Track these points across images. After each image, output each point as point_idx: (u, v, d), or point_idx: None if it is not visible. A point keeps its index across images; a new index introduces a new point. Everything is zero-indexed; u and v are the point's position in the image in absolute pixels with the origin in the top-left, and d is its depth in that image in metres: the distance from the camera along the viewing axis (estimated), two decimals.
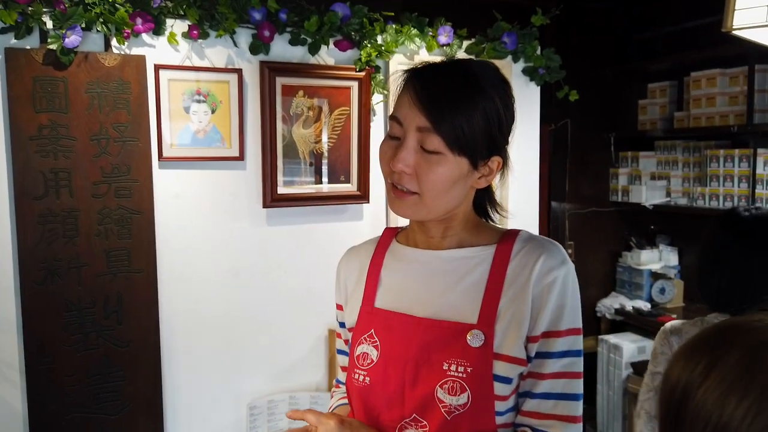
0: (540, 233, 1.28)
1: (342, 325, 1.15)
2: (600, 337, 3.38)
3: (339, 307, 1.16)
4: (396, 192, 0.97)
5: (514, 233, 1.02)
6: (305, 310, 2.13)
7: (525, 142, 2.36)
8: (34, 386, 1.79)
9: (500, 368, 0.94)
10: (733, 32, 1.97)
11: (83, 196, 1.80)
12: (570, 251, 3.61)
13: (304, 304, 2.13)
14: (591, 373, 3.20)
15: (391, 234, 1.13)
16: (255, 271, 2.06)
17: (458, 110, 0.92)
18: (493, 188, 1.07)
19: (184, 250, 1.96)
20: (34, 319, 1.78)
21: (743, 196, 2.87)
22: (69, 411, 1.83)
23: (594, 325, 3.66)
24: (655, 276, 3.52)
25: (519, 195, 2.36)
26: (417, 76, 0.96)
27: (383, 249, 1.10)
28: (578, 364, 0.97)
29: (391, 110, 2.23)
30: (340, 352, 1.18)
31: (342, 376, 1.18)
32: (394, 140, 0.97)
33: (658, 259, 3.54)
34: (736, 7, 1.93)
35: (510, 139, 1.00)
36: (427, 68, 0.97)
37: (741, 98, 2.90)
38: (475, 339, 0.94)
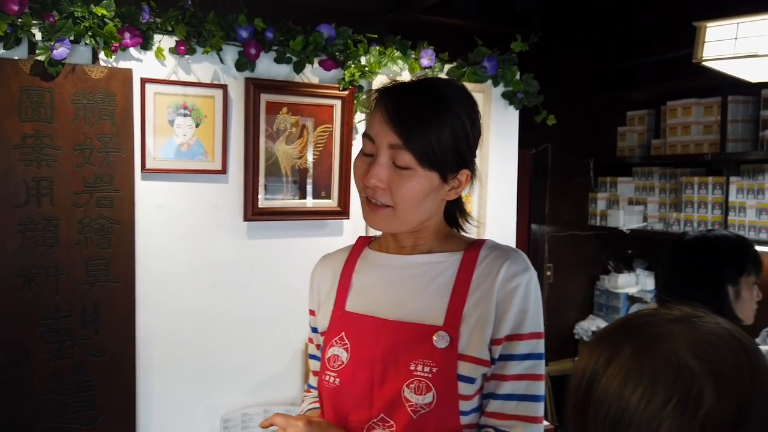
0: None
1: (314, 330, 1.18)
2: (577, 359, 3.40)
3: (312, 312, 1.20)
4: (370, 206, 1.03)
5: (481, 242, 1.08)
6: (283, 324, 2.14)
7: (503, 165, 2.42)
8: (7, 394, 1.78)
9: (464, 369, 0.98)
10: (703, 63, 2.05)
11: (64, 205, 1.82)
12: (549, 273, 3.66)
13: (282, 318, 2.14)
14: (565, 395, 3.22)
15: (364, 242, 1.18)
16: (234, 283, 2.08)
17: (428, 128, 0.97)
18: (462, 199, 1.13)
19: (164, 261, 1.97)
20: (9, 327, 1.77)
21: (716, 222, 2.94)
22: (41, 420, 1.82)
23: (572, 347, 3.70)
24: (632, 299, 3.57)
25: (496, 217, 2.41)
26: (388, 96, 1.01)
27: (356, 255, 1.15)
28: (540, 367, 1.02)
29: None
30: (312, 357, 1.21)
31: (313, 380, 1.22)
32: (367, 156, 1.02)
33: (634, 283, 3.61)
34: (705, 40, 2.02)
35: (477, 152, 1.06)
36: (398, 87, 1.03)
37: (715, 127, 3.00)
38: (441, 340, 0.98)
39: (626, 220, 3.45)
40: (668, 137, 3.24)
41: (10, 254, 1.76)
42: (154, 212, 1.95)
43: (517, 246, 2.64)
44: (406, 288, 1.05)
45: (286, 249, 2.14)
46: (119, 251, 1.89)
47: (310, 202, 2.14)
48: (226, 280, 2.07)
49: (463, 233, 1.14)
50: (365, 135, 1.03)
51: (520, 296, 1.00)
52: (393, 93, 1.01)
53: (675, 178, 3.26)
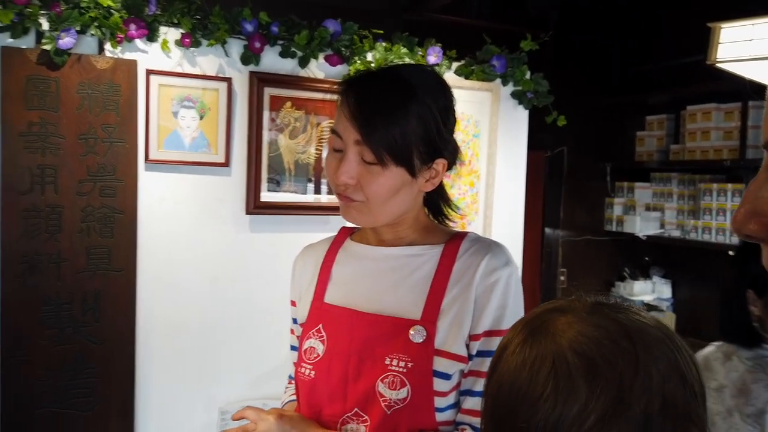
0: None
1: (295, 321, 1.17)
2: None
3: (293, 303, 1.19)
4: (344, 200, 1.01)
5: (463, 234, 1.05)
6: (283, 318, 2.13)
7: (511, 165, 2.38)
8: (7, 379, 1.81)
9: (440, 364, 0.96)
10: (717, 65, 1.99)
11: (68, 193, 1.84)
12: (563, 278, 3.60)
13: (282, 312, 2.13)
14: None
15: (346, 233, 1.16)
16: (235, 276, 2.08)
17: (391, 121, 0.94)
18: (443, 187, 1.10)
19: (165, 252, 1.99)
20: (11, 313, 1.80)
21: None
22: (40, 405, 1.85)
23: None
24: (648, 308, 3.49)
25: (503, 218, 2.38)
26: (352, 89, 0.98)
27: (337, 246, 1.13)
28: None
29: None
30: (294, 348, 1.20)
31: (293, 371, 1.20)
32: (337, 153, 1.00)
33: (651, 290, 3.53)
34: (720, 41, 1.96)
35: (450, 137, 1.03)
36: (362, 79, 1.01)
37: (735, 133, 2.92)
38: (417, 334, 0.96)
39: (643, 226, 3.38)
40: (687, 142, 3.16)
41: (13, 240, 1.79)
42: (156, 203, 1.97)
43: (529, 250, 2.61)
44: (384, 280, 1.03)
45: (288, 243, 2.12)
46: (121, 241, 1.91)
47: (312, 197, 2.13)
48: (228, 272, 2.07)
49: (448, 223, 1.11)
50: (332, 131, 1.01)
51: (500, 291, 0.98)
52: (356, 86, 0.99)
53: (694, 185, 3.19)
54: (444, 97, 1.01)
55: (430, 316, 0.97)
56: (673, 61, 3.28)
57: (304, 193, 2.12)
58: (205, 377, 2.07)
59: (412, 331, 0.96)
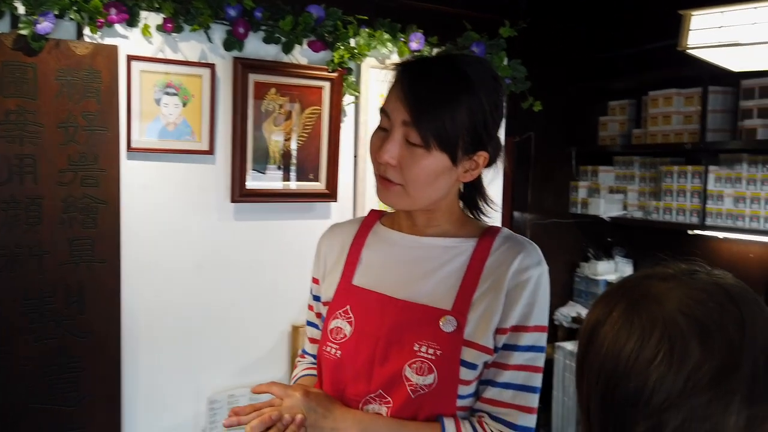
0: None
1: (316, 298, 1.17)
2: (557, 344, 3.46)
3: (315, 280, 1.18)
4: (383, 182, 1.02)
5: (496, 230, 1.07)
6: (269, 306, 2.14)
7: None
8: None
9: (468, 354, 0.99)
10: (688, 51, 2.08)
11: (48, 183, 1.79)
12: None
13: (268, 300, 2.14)
14: (547, 379, 3.27)
15: (376, 216, 1.16)
16: (221, 265, 2.07)
17: (442, 107, 0.96)
18: (482, 181, 1.11)
19: (150, 242, 1.95)
20: None
21: (695, 210, 3.00)
22: (24, 401, 1.80)
23: (551, 332, 3.75)
24: (611, 286, 3.63)
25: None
26: (407, 71, 1.00)
27: (367, 229, 1.14)
28: (540, 360, 1.02)
29: (362, 112, 2.28)
30: (310, 323, 1.21)
31: (309, 347, 1.22)
32: (383, 132, 1.01)
33: (614, 270, 3.66)
34: (690, 28, 2.05)
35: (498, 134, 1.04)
36: (418, 63, 1.01)
37: (695, 117, 3.05)
38: (447, 324, 0.99)
39: (607, 208, 3.50)
40: (649, 127, 3.28)
41: None
42: (140, 192, 1.93)
43: None
44: (416, 269, 1.04)
45: (274, 231, 2.13)
46: (104, 231, 1.87)
47: (297, 185, 2.13)
48: (213, 261, 2.06)
49: (482, 217, 1.12)
50: (382, 110, 1.01)
51: (531, 289, 1.00)
52: (412, 68, 1.00)
53: (655, 167, 3.32)
54: (496, 92, 1.01)
55: (461, 308, 1.00)
56: (636, 47, 3.39)
57: (289, 179, 2.12)
58: (192, 367, 2.05)
59: (442, 321, 0.99)
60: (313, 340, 1.20)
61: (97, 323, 1.88)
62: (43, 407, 1.82)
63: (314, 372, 1.16)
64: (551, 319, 3.73)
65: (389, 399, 0.99)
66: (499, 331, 1.00)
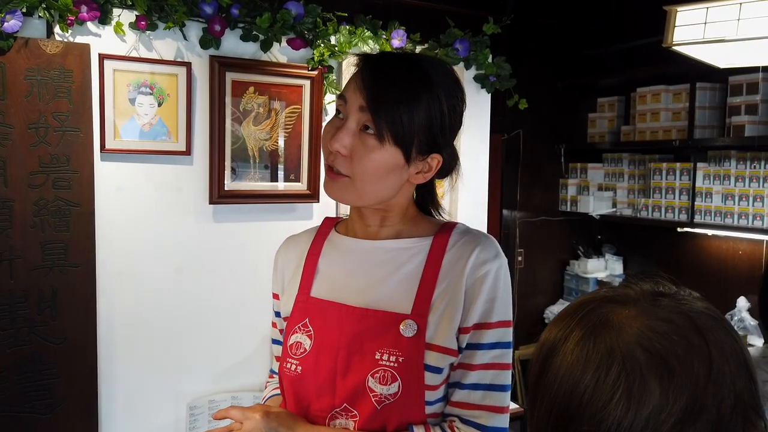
0: None
1: (278, 314, 1.14)
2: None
3: (275, 296, 1.15)
4: (330, 173, 0.98)
5: (451, 226, 1.04)
6: (250, 309, 2.10)
7: (475, 150, 2.40)
8: None
9: (431, 358, 0.95)
10: (673, 47, 2.05)
11: (19, 186, 1.74)
12: (520, 259, 3.68)
13: (249, 303, 2.10)
14: None
15: (330, 223, 1.13)
16: (199, 268, 2.02)
17: (400, 100, 0.93)
18: (435, 187, 1.09)
19: (126, 245, 1.91)
20: None
21: (683, 208, 2.98)
22: None
23: (542, 331, 3.73)
24: (601, 284, 3.61)
25: (468, 202, 2.39)
26: (369, 62, 0.97)
27: (322, 238, 1.10)
28: (507, 356, 0.99)
29: None
30: (275, 342, 1.17)
31: (276, 366, 1.17)
32: (337, 121, 0.98)
33: (603, 267, 3.65)
34: (676, 24, 2.02)
35: (454, 141, 1.02)
36: (381, 56, 1.00)
37: (683, 114, 3.03)
38: (408, 329, 0.95)
39: (596, 205, 3.48)
40: (638, 123, 3.26)
41: None
42: (114, 194, 1.88)
43: (488, 232, 2.64)
44: (373, 274, 1.01)
45: (254, 233, 2.09)
46: (78, 235, 1.82)
47: (278, 185, 2.09)
48: (191, 264, 2.01)
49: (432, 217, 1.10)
50: (339, 96, 0.99)
51: (489, 284, 0.97)
52: (374, 60, 0.98)
53: (644, 164, 3.29)
54: (456, 97, 0.99)
55: (420, 310, 0.96)
56: (625, 44, 3.37)
57: (270, 180, 2.08)
58: (171, 372, 2.01)
59: (402, 326, 0.95)
60: (279, 359, 1.16)
61: (72, 329, 1.84)
62: (16, 416, 1.78)
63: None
64: (541, 318, 3.71)
65: (355, 412, 0.96)
66: (461, 330, 0.96)
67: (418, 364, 0.94)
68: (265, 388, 1.20)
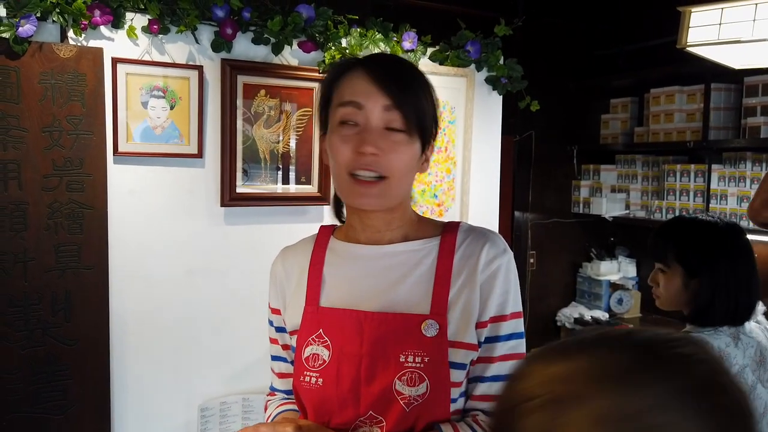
0: None
1: (280, 329, 1.11)
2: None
3: (275, 311, 1.12)
4: (358, 183, 0.95)
5: (455, 225, 1.05)
6: (261, 312, 2.09)
7: (487, 151, 2.39)
8: None
9: (455, 355, 0.96)
10: (687, 49, 2.03)
11: (33, 188, 1.75)
12: (532, 261, 3.66)
13: (260, 305, 2.09)
14: None
15: (327, 232, 1.11)
16: (211, 270, 2.03)
17: (416, 91, 0.97)
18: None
19: (138, 247, 1.92)
20: None
21: (698, 210, 2.94)
22: (11, 410, 1.77)
23: (554, 333, 3.71)
24: (614, 287, 3.58)
25: (480, 204, 2.38)
26: (368, 62, 0.98)
27: (322, 247, 1.08)
28: (522, 346, 1.01)
29: None
30: (276, 358, 1.14)
31: (278, 383, 1.15)
32: (350, 128, 0.95)
33: (617, 270, 3.62)
34: (690, 25, 1.99)
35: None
36: (376, 56, 1.03)
37: (697, 115, 2.99)
38: (429, 329, 0.96)
39: (609, 207, 3.45)
40: (651, 125, 3.23)
41: None
42: (127, 197, 1.90)
43: (500, 233, 2.63)
44: (386, 278, 1.00)
45: (265, 235, 2.10)
46: (91, 237, 1.84)
47: (289, 188, 2.09)
48: (203, 266, 2.02)
49: (433, 217, 1.12)
50: (346, 103, 0.95)
51: (502, 277, 0.99)
52: (375, 59, 0.99)
53: (657, 166, 3.26)
54: (435, 98, 1.04)
55: (439, 309, 0.97)
56: (637, 44, 3.34)
57: (281, 183, 2.08)
58: (183, 374, 2.02)
59: (424, 326, 0.96)
60: (282, 375, 1.13)
61: (85, 330, 1.85)
62: (30, 416, 1.80)
63: (294, 407, 1.08)
64: (554, 320, 3.69)
65: (381, 419, 0.95)
66: (479, 324, 0.98)
67: (443, 362, 0.95)
68: (265, 410, 1.16)
